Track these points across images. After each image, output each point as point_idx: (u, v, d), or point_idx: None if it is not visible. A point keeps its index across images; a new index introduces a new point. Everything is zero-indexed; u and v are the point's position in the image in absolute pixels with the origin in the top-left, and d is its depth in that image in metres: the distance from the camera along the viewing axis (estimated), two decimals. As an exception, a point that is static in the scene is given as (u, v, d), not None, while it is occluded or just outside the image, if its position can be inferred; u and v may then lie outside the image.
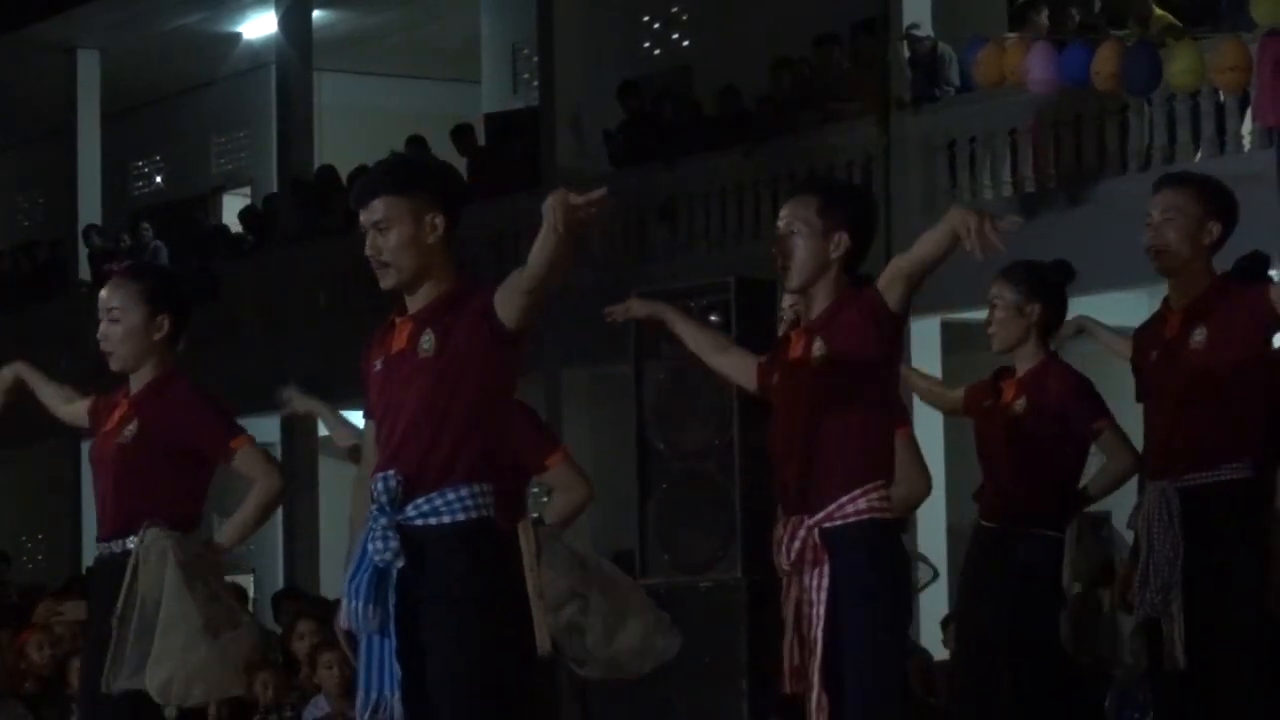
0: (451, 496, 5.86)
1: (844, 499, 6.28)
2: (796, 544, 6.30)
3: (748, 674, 12.54)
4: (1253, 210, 9.71)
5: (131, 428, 6.99)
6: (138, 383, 7.07)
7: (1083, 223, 15.72)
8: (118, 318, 6.99)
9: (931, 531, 15.41)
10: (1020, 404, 7.69)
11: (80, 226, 26.09)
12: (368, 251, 6.18)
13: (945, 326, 17.47)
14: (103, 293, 7.11)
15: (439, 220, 6.07)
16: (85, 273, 25.69)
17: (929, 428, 12.73)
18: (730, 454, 12.82)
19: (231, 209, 27.07)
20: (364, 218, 6.19)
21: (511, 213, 20.57)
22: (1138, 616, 6.94)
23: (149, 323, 7.01)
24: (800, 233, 6.47)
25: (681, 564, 12.91)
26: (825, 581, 6.26)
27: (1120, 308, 13.12)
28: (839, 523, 6.28)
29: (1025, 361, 7.75)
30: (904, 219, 17.33)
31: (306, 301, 22.75)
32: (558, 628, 8.24)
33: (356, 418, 7.54)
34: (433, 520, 5.86)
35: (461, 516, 5.85)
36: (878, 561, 6.30)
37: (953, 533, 15.22)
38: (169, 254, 25.45)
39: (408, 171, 6.25)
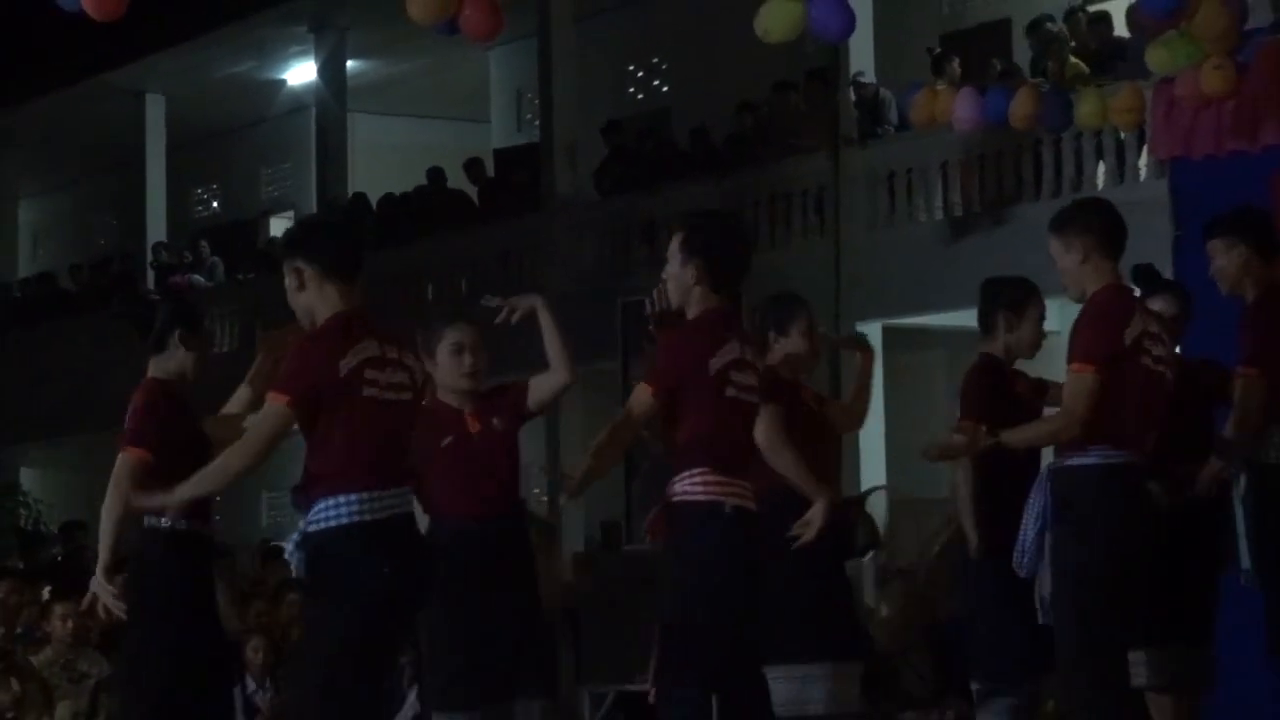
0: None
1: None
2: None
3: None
4: (1148, 231, 9.70)
5: None
6: None
7: (1002, 242, 15.69)
8: None
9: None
10: None
11: (148, 244, 26.07)
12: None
13: (887, 330, 17.44)
14: None
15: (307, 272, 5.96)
16: (151, 284, 25.66)
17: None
18: (702, 439, 12.80)
19: (277, 229, 27.03)
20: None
21: (516, 233, 20.57)
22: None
23: None
24: (670, 262, 6.49)
25: (661, 533, 12.89)
26: None
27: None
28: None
29: None
30: (851, 238, 17.34)
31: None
32: None
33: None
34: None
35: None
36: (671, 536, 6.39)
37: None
38: (224, 267, 25.45)
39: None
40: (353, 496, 5.79)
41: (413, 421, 6.03)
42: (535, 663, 7.03)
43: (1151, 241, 9.90)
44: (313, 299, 5.93)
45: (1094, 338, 6.30)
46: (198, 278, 25.27)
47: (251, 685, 12.42)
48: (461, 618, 6.80)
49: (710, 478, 6.29)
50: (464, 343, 7.01)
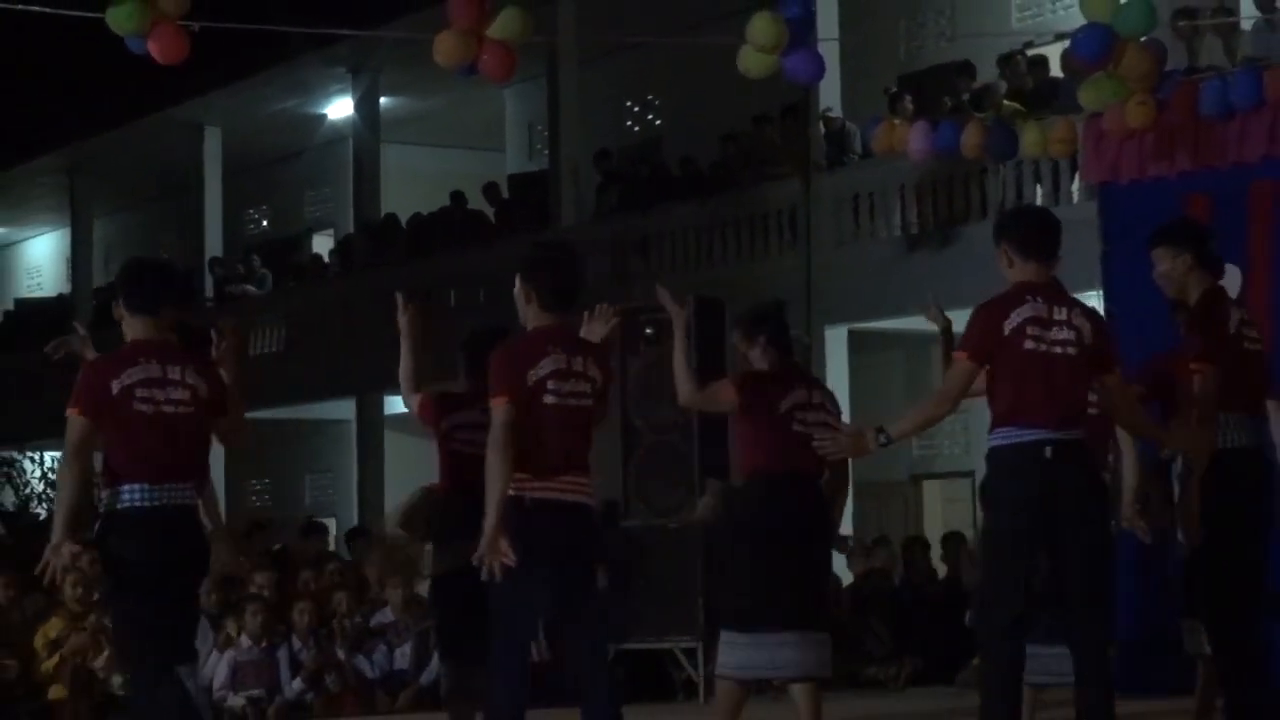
0: None
1: None
2: None
3: (703, 591, 12.52)
4: (1080, 246, 9.72)
5: None
6: None
7: (951, 258, 15.72)
8: None
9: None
10: None
11: (206, 259, 26.03)
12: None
13: (852, 334, 17.46)
14: None
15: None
16: (209, 293, 25.66)
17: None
18: (690, 428, 12.80)
19: (320, 245, 27.03)
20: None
21: (527, 249, 20.52)
22: None
23: None
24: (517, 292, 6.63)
25: (654, 510, 12.91)
26: None
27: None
28: None
29: None
30: (821, 253, 17.35)
31: (374, 314, 22.69)
32: None
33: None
34: None
35: None
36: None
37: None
38: (272, 279, 25.42)
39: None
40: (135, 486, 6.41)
41: (194, 431, 6.53)
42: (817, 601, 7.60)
43: (1083, 255, 9.93)
44: (125, 329, 6.59)
45: (968, 331, 6.40)
46: (249, 288, 25.25)
47: (297, 644, 12.43)
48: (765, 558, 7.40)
49: (527, 480, 6.36)
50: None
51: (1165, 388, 7.28)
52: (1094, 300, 9.39)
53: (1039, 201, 15.53)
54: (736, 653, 7.60)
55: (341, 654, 12.45)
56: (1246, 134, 10.36)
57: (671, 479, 12.79)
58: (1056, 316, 6.35)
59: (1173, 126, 10.54)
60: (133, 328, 6.54)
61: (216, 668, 12.15)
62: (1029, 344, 6.29)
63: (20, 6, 9.55)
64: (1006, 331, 6.30)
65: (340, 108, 24.93)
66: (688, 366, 7.80)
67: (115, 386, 6.37)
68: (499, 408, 6.32)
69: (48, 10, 9.72)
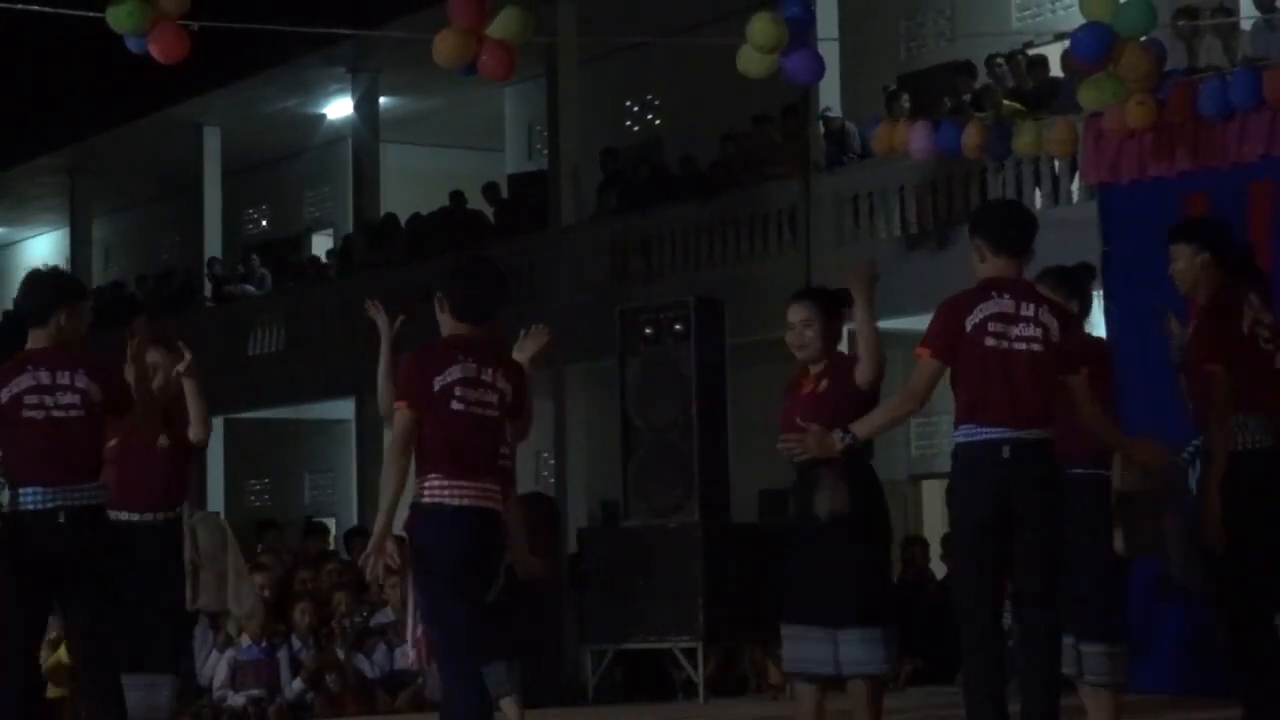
0: None
1: None
2: None
3: (703, 591, 12.53)
4: (1079, 246, 9.73)
5: None
6: None
7: (951, 258, 15.68)
8: None
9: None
10: None
11: (205, 258, 26.03)
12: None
13: (851, 334, 17.41)
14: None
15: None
16: (208, 294, 25.66)
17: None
18: (690, 427, 12.81)
19: (320, 245, 27.02)
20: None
21: (528, 249, 20.56)
22: None
23: None
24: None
25: (654, 509, 12.91)
26: None
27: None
28: None
29: None
30: (820, 253, 17.33)
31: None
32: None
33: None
34: None
35: None
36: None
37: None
38: (271, 279, 25.42)
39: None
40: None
41: (86, 432, 6.72)
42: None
43: (1082, 255, 9.92)
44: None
45: (930, 327, 6.40)
46: (249, 287, 25.24)
47: (297, 644, 12.43)
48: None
49: (439, 482, 6.47)
50: (794, 320, 7.44)
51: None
52: (1094, 300, 9.35)
53: (1039, 202, 15.52)
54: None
55: (341, 654, 12.45)
56: (1246, 134, 10.36)
57: (671, 479, 12.79)
58: (1023, 313, 6.31)
59: (1172, 126, 10.54)
60: (31, 338, 6.85)
61: (216, 667, 12.16)
62: (990, 341, 6.26)
63: (21, 6, 9.55)
64: (968, 328, 6.28)
65: (340, 108, 24.93)
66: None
67: (4, 396, 6.67)
68: (399, 413, 6.50)
69: (48, 10, 9.71)
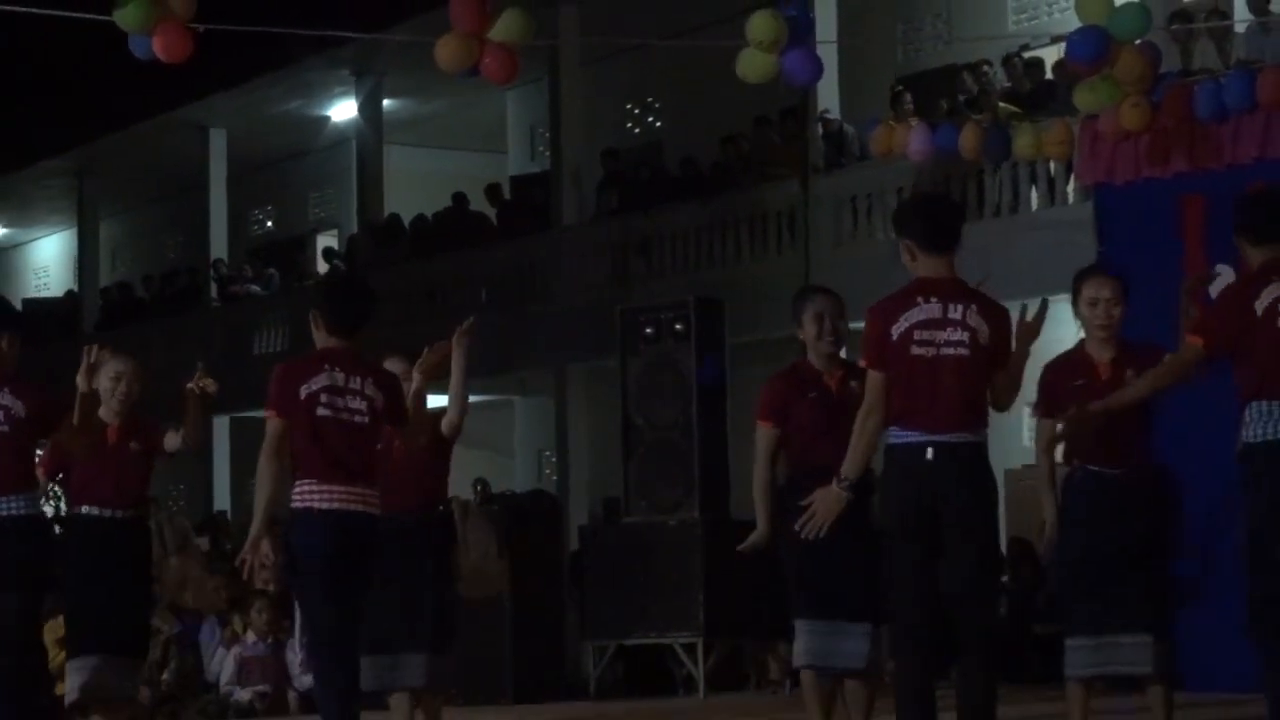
0: None
1: None
2: None
3: (703, 587, 12.54)
4: (1076, 245, 9.74)
5: None
6: None
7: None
8: None
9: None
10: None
11: (211, 259, 26.04)
12: None
13: (850, 334, 17.43)
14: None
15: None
16: (214, 294, 25.67)
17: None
18: (690, 427, 12.83)
19: (323, 246, 27.04)
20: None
21: (530, 250, 20.58)
22: None
23: None
24: None
25: (655, 507, 12.93)
26: None
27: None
28: None
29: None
30: (818, 254, 17.33)
31: (377, 315, 22.67)
32: None
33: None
34: None
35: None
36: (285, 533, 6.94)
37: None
38: (277, 279, 25.43)
39: None
40: None
41: (9, 447, 7.15)
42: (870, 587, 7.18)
43: (1079, 256, 9.94)
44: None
45: (862, 338, 6.37)
46: (254, 288, 25.26)
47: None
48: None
49: (310, 486, 6.75)
50: (823, 312, 7.49)
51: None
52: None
53: (1035, 203, 15.53)
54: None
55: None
56: (1240, 136, 10.37)
57: (672, 477, 12.81)
58: (951, 316, 6.23)
59: (1167, 128, 10.55)
60: None
61: (224, 664, 12.17)
62: (915, 349, 6.20)
63: (26, 9, 9.55)
64: (894, 336, 6.24)
65: (344, 110, 24.94)
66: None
67: None
68: (268, 421, 6.79)
69: (55, 13, 9.72)
